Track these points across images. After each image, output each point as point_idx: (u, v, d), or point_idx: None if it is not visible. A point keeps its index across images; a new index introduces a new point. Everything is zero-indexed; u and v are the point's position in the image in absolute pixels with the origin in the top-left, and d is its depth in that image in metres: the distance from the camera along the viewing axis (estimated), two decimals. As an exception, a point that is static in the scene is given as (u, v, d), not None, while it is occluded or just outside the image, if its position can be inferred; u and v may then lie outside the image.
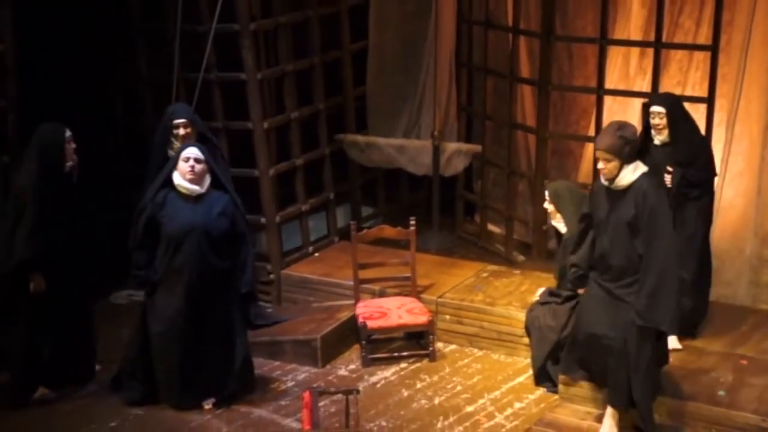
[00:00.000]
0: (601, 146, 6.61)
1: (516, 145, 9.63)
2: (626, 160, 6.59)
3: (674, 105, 7.73)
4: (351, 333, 8.40)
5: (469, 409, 7.56)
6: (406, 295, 8.52)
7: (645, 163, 7.34)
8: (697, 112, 8.74)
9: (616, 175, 6.61)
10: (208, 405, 7.46)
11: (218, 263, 7.24)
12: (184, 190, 7.20)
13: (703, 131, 8.59)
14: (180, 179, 7.18)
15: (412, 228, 8.44)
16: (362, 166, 10.08)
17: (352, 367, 8.15)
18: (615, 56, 9.20)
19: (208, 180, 7.24)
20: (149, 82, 9.32)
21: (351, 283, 8.57)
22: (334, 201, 9.88)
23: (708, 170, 7.79)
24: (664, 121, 7.65)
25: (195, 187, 7.18)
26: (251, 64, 8.90)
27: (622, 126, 6.69)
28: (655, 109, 7.71)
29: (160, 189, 7.23)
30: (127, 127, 9.52)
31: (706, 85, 8.60)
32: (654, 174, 7.53)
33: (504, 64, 9.54)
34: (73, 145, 7.52)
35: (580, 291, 7.09)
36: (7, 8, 7.78)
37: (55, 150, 7.34)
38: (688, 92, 8.95)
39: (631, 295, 6.61)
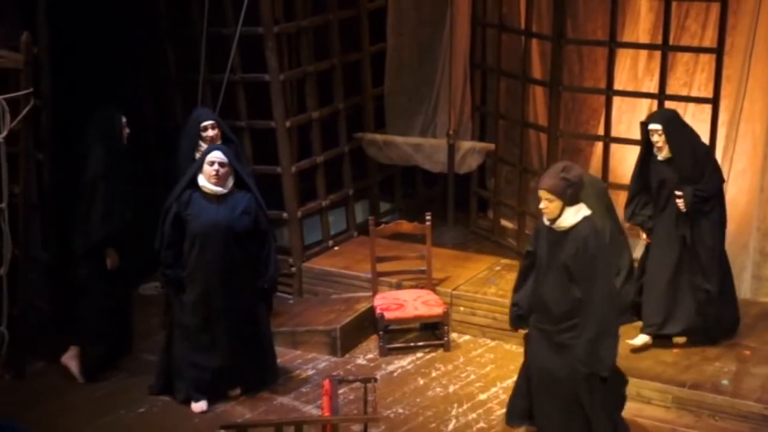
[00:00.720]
0: (543, 186, 6.42)
1: (528, 143, 9.65)
2: (568, 201, 6.40)
3: (670, 121, 7.65)
4: (369, 324, 8.46)
5: (482, 396, 7.63)
6: (422, 288, 8.57)
7: (650, 180, 7.30)
8: (703, 113, 8.82)
9: (558, 216, 6.42)
10: (234, 393, 7.54)
11: (242, 259, 7.29)
12: (208, 191, 7.24)
13: (708, 131, 8.66)
14: (204, 181, 7.23)
15: (428, 223, 8.49)
16: (380, 164, 10.11)
17: (370, 356, 8.22)
18: (624, 58, 9.20)
19: (231, 181, 7.28)
20: (178, 82, 9.38)
21: (369, 275, 8.62)
22: (353, 197, 9.94)
23: (716, 180, 7.69)
24: (663, 138, 7.58)
25: (218, 189, 7.22)
26: (274, 66, 8.96)
27: (566, 168, 6.48)
28: (652, 127, 7.64)
29: (185, 189, 7.28)
30: (157, 125, 9.58)
31: (711, 86, 8.60)
32: (660, 190, 7.55)
33: (516, 65, 9.55)
34: (127, 130, 7.77)
35: (522, 331, 6.89)
36: (42, 12, 7.85)
37: (115, 135, 7.67)
38: (694, 93, 8.96)
39: (573, 338, 6.42)
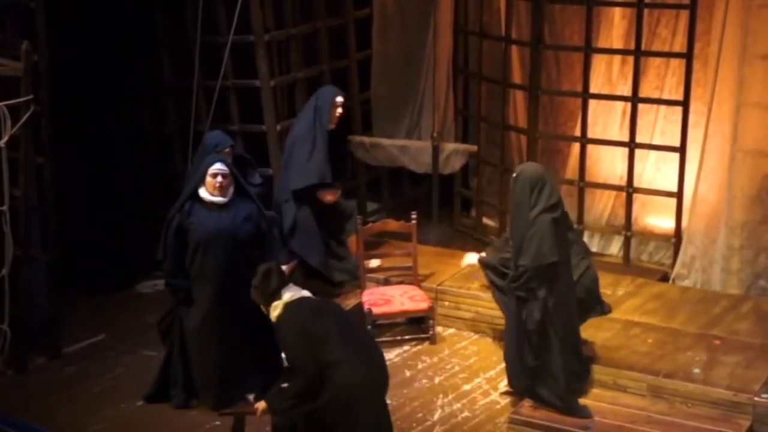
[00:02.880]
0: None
1: (509, 145, 9.67)
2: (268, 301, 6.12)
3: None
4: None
5: (467, 387, 7.63)
6: (408, 284, 8.57)
7: None
8: (674, 114, 8.87)
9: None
10: (249, 398, 7.26)
11: (246, 265, 7.02)
12: (209, 202, 7.13)
13: (679, 132, 8.71)
14: (206, 193, 7.11)
15: (414, 222, 8.49)
16: (367, 165, 10.12)
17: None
18: (599, 63, 9.23)
19: (231, 190, 7.18)
20: (172, 88, 9.38)
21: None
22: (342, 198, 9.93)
23: (537, 258, 6.78)
24: None
25: (220, 199, 7.10)
26: (265, 72, 8.96)
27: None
28: None
29: (187, 200, 7.18)
30: (152, 131, 9.57)
31: (681, 89, 8.67)
32: None
33: (497, 70, 9.57)
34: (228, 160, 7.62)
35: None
36: (42, 21, 7.84)
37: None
38: (665, 96, 9.00)
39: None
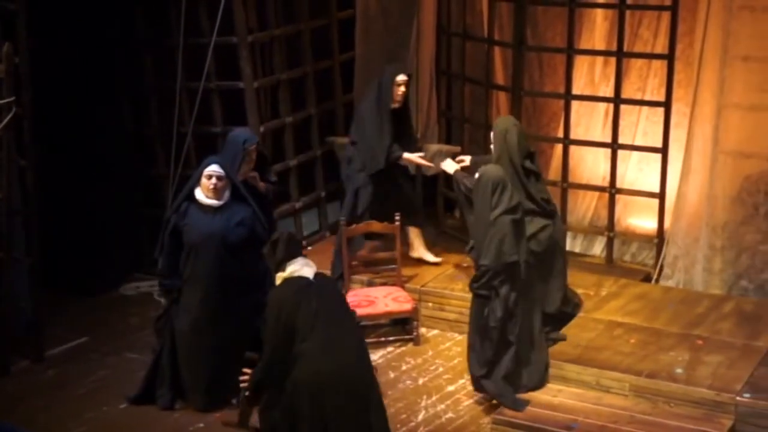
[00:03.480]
0: None
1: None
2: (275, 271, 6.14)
3: None
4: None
5: (450, 388, 7.63)
6: (392, 285, 8.57)
7: None
8: (656, 116, 8.89)
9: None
10: (235, 401, 7.22)
11: (238, 269, 7.11)
12: (204, 203, 7.12)
13: (661, 133, 8.73)
14: (201, 195, 7.10)
15: (398, 223, 8.50)
16: (351, 166, 10.12)
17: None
18: (581, 64, 9.24)
19: (227, 193, 7.13)
20: (155, 90, 9.35)
21: (341, 273, 8.62)
22: (325, 198, 9.93)
23: (499, 258, 7.04)
24: None
25: (214, 201, 7.08)
26: (248, 74, 8.94)
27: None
28: None
29: (183, 201, 7.17)
30: (135, 132, 9.53)
31: (663, 90, 8.69)
32: None
33: (480, 72, 9.58)
34: (254, 156, 7.59)
35: None
36: (22, 24, 7.80)
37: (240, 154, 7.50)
38: (647, 97, 9.02)
39: None
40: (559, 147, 9.28)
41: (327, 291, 6.05)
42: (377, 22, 9.85)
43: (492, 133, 7.81)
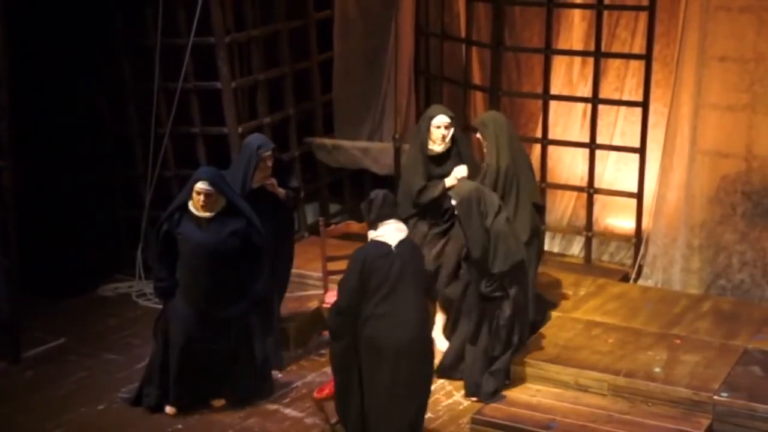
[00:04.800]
0: None
1: (470, 146, 9.66)
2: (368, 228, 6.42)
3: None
4: (320, 320, 8.41)
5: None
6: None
7: None
8: (634, 116, 8.92)
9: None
10: (219, 403, 7.29)
11: (231, 278, 7.08)
12: (196, 215, 7.07)
13: (639, 133, 8.75)
14: (192, 207, 7.06)
15: (376, 223, 8.46)
16: (329, 167, 10.10)
17: (322, 351, 8.11)
18: (559, 65, 9.26)
19: (220, 202, 7.06)
20: (133, 90, 9.30)
21: (320, 274, 8.56)
22: (304, 199, 9.89)
23: (508, 259, 7.11)
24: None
25: (205, 214, 7.04)
26: (226, 74, 8.91)
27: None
28: None
29: (177, 210, 7.12)
30: (113, 132, 9.48)
31: (641, 90, 8.72)
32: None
33: (458, 72, 9.58)
34: (270, 163, 7.48)
35: None
36: (0, 25, 7.74)
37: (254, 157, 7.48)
38: (625, 97, 9.05)
39: None
40: (537, 147, 9.29)
41: (408, 258, 6.27)
42: (356, 22, 9.83)
43: (486, 131, 7.72)
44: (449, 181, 7.77)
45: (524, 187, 7.69)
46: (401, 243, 6.30)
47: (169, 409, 7.22)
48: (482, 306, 7.20)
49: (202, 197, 7.01)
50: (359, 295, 6.19)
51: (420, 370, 6.33)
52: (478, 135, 7.80)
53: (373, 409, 6.30)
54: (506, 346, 7.21)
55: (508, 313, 7.13)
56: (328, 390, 6.66)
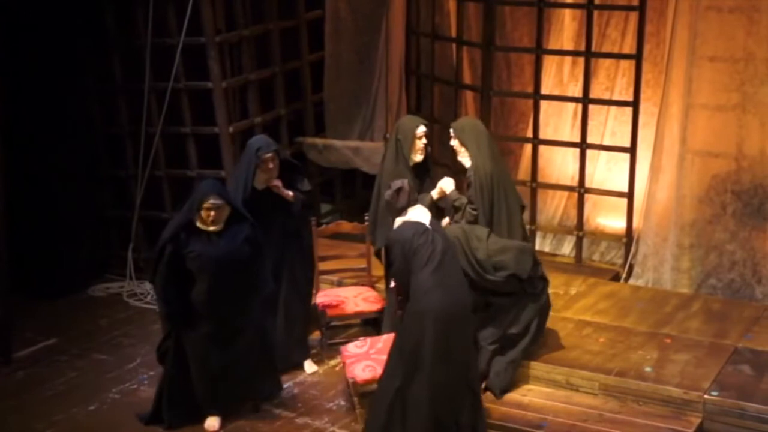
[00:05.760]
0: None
1: (461, 146, 9.67)
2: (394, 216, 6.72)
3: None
4: (312, 320, 8.40)
5: (421, 387, 7.63)
6: (362, 285, 8.56)
7: None
8: (624, 115, 8.93)
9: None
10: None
11: (244, 286, 6.96)
12: (206, 230, 6.89)
13: (629, 132, 8.76)
14: (201, 224, 6.87)
15: (367, 223, 8.48)
16: (321, 166, 10.09)
17: (313, 351, 8.14)
18: (549, 64, 9.27)
19: (226, 212, 6.90)
20: (124, 90, 9.27)
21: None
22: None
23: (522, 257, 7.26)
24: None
25: (216, 228, 6.88)
26: (217, 74, 8.89)
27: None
28: None
29: (180, 231, 6.89)
30: (103, 132, 9.46)
31: (631, 90, 8.73)
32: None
33: (449, 72, 9.58)
34: (271, 165, 7.39)
35: None
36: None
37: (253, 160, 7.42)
38: (615, 97, 9.06)
39: None
40: (528, 147, 9.30)
41: (441, 234, 6.62)
42: (347, 22, 9.83)
43: (463, 135, 7.62)
44: (435, 194, 7.71)
45: (511, 191, 7.65)
46: (431, 222, 6.63)
47: (211, 423, 7.07)
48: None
49: (212, 212, 6.82)
50: (409, 274, 6.45)
51: (470, 334, 6.65)
52: (454, 142, 7.63)
53: (432, 379, 6.36)
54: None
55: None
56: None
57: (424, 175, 7.87)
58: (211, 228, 6.89)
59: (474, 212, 7.44)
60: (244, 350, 7.06)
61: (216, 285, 6.88)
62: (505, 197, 7.55)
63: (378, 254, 7.80)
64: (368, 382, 6.94)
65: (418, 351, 6.33)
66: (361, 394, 7.02)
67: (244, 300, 7.02)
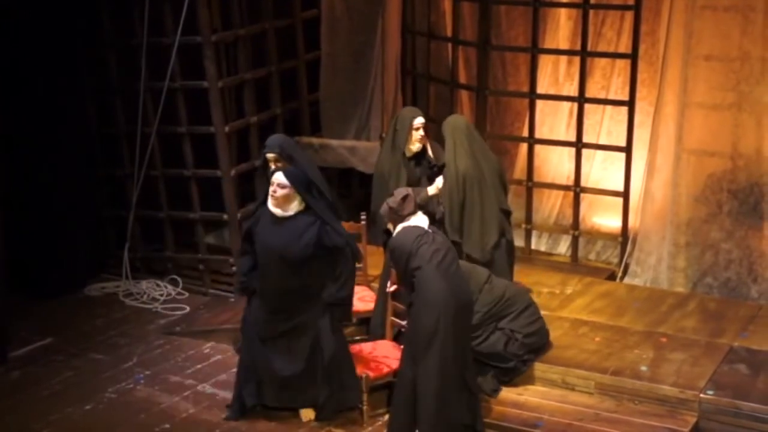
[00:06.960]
0: None
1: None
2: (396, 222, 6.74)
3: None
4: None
5: (416, 386, 7.63)
6: (357, 284, 8.53)
7: None
8: (620, 114, 8.93)
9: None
10: (306, 418, 7.10)
11: (299, 283, 6.80)
12: (272, 211, 6.86)
13: (625, 131, 8.76)
14: (269, 202, 6.86)
15: (363, 222, 8.47)
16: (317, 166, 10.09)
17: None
18: (545, 64, 9.27)
19: (295, 204, 6.82)
20: (119, 90, 9.26)
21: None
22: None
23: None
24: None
25: (278, 211, 6.80)
26: (213, 73, 8.88)
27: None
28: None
29: (260, 205, 6.98)
30: (99, 132, 9.45)
31: (627, 89, 8.73)
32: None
33: (444, 71, 9.58)
34: (273, 166, 7.36)
35: None
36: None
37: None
38: (611, 96, 9.07)
39: None
40: (523, 146, 9.30)
41: (441, 235, 6.81)
42: (343, 21, 9.83)
43: (443, 133, 7.68)
44: (432, 190, 7.72)
45: (489, 194, 7.62)
46: (430, 226, 6.74)
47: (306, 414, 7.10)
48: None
49: (274, 186, 6.75)
50: (413, 275, 6.57)
51: (471, 327, 6.84)
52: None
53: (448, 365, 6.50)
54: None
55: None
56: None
57: (424, 169, 7.87)
58: (276, 210, 6.82)
59: (442, 210, 7.50)
60: (297, 350, 6.93)
61: (268, 274, 6.84)
62: (480, 199, 7.52)
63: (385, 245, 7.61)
64: (380, 377, 7.04)
65: (430, 337, 6.42)
66: (371, 388, 7.03)
67: (301, 297, 6.86)
